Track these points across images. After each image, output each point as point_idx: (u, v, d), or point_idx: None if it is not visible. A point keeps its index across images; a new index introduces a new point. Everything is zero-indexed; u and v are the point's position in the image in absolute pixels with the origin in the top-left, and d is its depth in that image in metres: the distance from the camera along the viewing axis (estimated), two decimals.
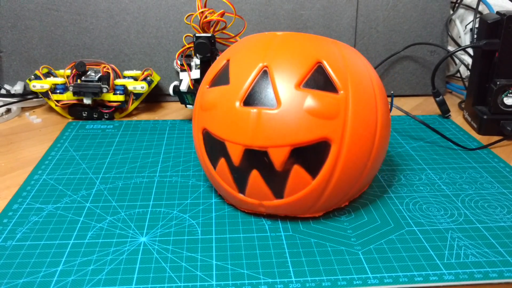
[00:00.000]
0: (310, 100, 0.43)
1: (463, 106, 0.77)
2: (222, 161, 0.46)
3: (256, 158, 0.44)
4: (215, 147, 0.46)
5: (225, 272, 0.41)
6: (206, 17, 0.67)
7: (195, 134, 0.49)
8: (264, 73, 0.44)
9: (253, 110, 0.43)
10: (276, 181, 0.44)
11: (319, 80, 0.44)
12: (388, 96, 0.55)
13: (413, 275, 0.41)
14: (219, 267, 0.41)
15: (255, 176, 0.44)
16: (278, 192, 0.45)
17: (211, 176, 0.48)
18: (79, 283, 0.39)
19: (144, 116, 0.75)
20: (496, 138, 0.67)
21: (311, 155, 0.43)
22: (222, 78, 0.47)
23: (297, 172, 0.44)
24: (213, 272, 0.41)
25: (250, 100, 0.44)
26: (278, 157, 0.43)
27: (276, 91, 0.43)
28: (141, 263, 0.42)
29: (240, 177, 0.45)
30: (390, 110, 0.50)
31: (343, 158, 0.44)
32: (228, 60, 0.47)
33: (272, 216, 0.48)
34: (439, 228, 0.47)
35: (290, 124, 0.42)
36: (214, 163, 0.47)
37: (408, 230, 0.47)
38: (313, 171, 0.44)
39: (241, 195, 0.47)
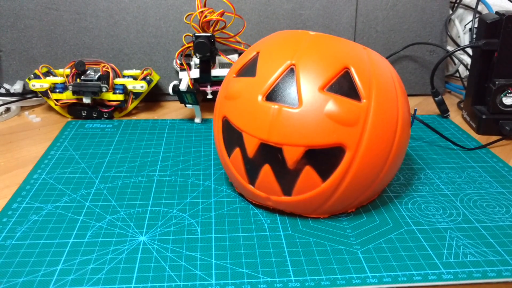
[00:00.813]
0: (331, 104, 0.43)
1: (462, 105, 0.77)
2: (237, 151, 0.47)
3: (270, 153, 0.44)
4: (232, 136, 0.47)
5: (225, 271, 0.41)
6: (205, 16, 0.67)
7: (215, 121, 0.50)
8: (291, 71, 0.45)
9: (274, 106, 0.44)
10: (287, 178, 0.45)
11: (344, 85, 0.44)
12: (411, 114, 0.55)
13: (412, 274, 0.41)
14: (218, 266, 0.41)
15: (266, 171, 0.45)
16: (287, 190, 0.46)
17: (225, 163, 0.50)
18: (78, 282, 0.39)
19: (143, 116, 0.75)
20: (495, 137, 0.67)
21: (324, 158, 0.44)
22: (249, 70, 0.48)
23: (308, 173, 0.44)
24: (212, 271, 0.41)
25: (273, 95, 0.44)
26: (291, 156, 0.44)
27: (300, 91, 0.44)
28: (141, 262, 0.42)
29: (252, 169, 0.46)
30: (411, 125, 0.49)
31: (356, 166, 0.44)
32: (258, 53, 0.48)
33: (272, 215, 0.48)
34: (438, 228, 0.47)
35: (308, 125, 0.43)
36: (229, 151, 0.48)
37: (407, 229, 0.47)
38: (324, 174, 0.44)
39: (250, 187, 0.47)
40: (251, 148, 0.45)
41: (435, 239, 0.45)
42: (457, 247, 0.44)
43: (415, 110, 0.53)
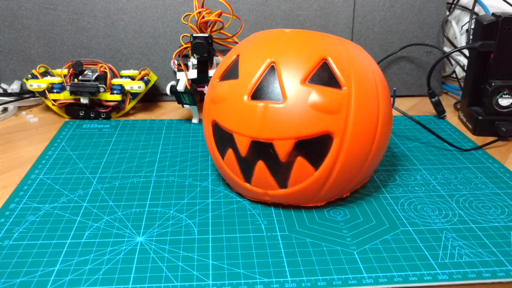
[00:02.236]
0: (314, 95, 0.44)
1: (458, 106, 0.77)
2: (230, 152, 0.48)
3: (262, 150, 0.46)
4: (224, 138, 0.48)
5: (222, 272, 0.41)
6: (203, 17, 0.67)
7: (205, 126, 0.52)
8: (272, 69, 0.46)
9: (260, 104, 0.45)
10: (281, 171, 0.46)
11: (323, 76, 0.46)
12: (391, 95, 0.56)
13: (407, 274, 0.41)
14: (215, 267, 0.42)
15: (260, 167, 0.46)
16: (282, 182, 0.47)
17: (219, 165, 0.51)
18: (76, 283, 0.40)
19: (141, 116, 0.75)
20: (491, 138, 0.68)
21: (314, 147, 0.45)
22: (232, 73, 0.49)
23: (301, 163, 0.45)
24: (209, 272, 0.41)
25: (257, 94, 0.46)
26: (282, 149, 0.45)
27: (283, 86, 0.45)
28: (138, 262, 0.42)
29: (246, 168, 0.48)
30: (393, 105, 0.51)
31: (345, 151, 0.45)
32: (238, 55, 0.49)
33: (268, 216, 0.49)
34: (433, 228, 0.47)
35: (295, 118, 0.44)
36: (222, 153, 0.49)
37: (403, 230, 0.47)
38: (316, 163, 0.46)
39: (247, 184, 0.49)
40: (243, 147, 0.46)
41: (431, 239, 0.45)
42: (453, 247, 0.44)
43: (395, 90, 0.54)
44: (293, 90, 0.45)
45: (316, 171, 0.46)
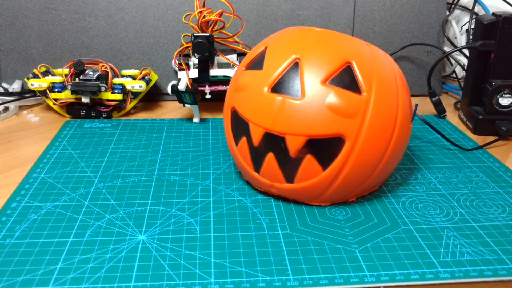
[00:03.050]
0: (332, 96, 0.45)
1: (458, 106, 0.77)
2: (243, 140, 0.49)
3: (274, 142, 0.47)
4: (240, 126, 0.50)
5: (224, 270, 0.41)
6: (204, 16, 0.67)
7: (225, 111, 0.53)
8: (295, 65, 0.47)
9: (278, 98, 0.46)
10: (289, 166, 0.47)
11: (345, 79, 0.46)
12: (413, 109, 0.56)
13: (409, 273, 0.41)
14: (217, 265, 0.42)
15: (270, 159, 0.47)
16: (289, 177, 0.48)
17: (233, 152, 0.52)
18: (78, 281, 0.40)
19: (142, 115, 0.75)
20: (491, 138, 0.68)
21: (324, 148, 0.46)
22: (257, 63, 0.50)
23: (309, 161, 0.46)
24: (211, 270, 0.41)
25: (278, 87, 0.47)
26: (293, 145, 0.46)
27: (303, 84, 0.46)
28: (140, 261, 0.42)
29: (257, 157, 0.49)
30: (412, 119, 0.51)
31: (355, 156, 0.46)
32: (266, 47, 0.50)
33: (270, 215, 0.49)
34: (435, 227, 0.47)
35: (310, 116, 0.45)
36: (236, 140, 0.51)
37: (404, 228, 0.47)
38: (324, 163, 0.46)
39: (256, 174, 0.50)
40: (257, 137, 0.47)
41: (432, 238, 0.46)
42: (454, 246, 0.45)
43: (416, 105, 0.53)
44: (313, 89, 0.45)
45: (324, 171, 0.46)
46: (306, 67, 0.46)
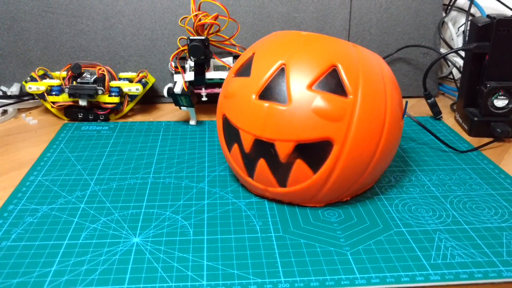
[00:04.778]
0: (318, 101, 0.45)
1: (454, 108, 0.78)
2: (235, 146, 0.50)
3: (264, 148, 0.47)
4: (231, 133, 0.51)
5: (216, 272, 0.41)
6: (200, 20, 0.67)
7: (218, 118, 0.54)
8: (282, 71, 0.48)
9: (266, 104, 0.47)
10: (280, 171, 0.48)
11: (331, 82, 0.46)
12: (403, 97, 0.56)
13: (400, 275, 0.41)
14: (210, 268, 0.42)
15: (262, 164, 0.48)
16: (282, 181, 0.49)
17: (227, 158, 0.53)
18: (72, 283, 0.40)
19: (139, 118, 0.75)
20: (486, 140, 0.68)
21: (313, 152, 0.46)
22: (245, 70, 0.51)
23: (300, 166, 0.47)
24: (204, 272, 0.41)
25: (265, 94, 0.47)
26: (283, 150, 0.46)
27: (289, 89, 0.46)
28: (134, 263, 0.42)
29: (249, 163, 0.50)
30: (403, 116, 0.51)
31: (344, 159, 0.46)
32: (253, 54, 0.51)
33: (263, 217, 0.49)
34: (427, 229, 0.48)
35: (297, 121, 0.45)
36: (229, 147, 0.52)
37: (396, 231, 0.47)
38: (315, 166, 0.47)
39: (250, 179, 0.51)
40: (247, 143, 0.48)
41: (424, 240, 0.46)
42: (445, 248, 0.45)
43: (407, 102, 0.54)
44: (298, 94, 0.46)
45: (315, 174, 0.47)
46: (292, 72, 0.46)
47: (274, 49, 0.49)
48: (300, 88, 0.46)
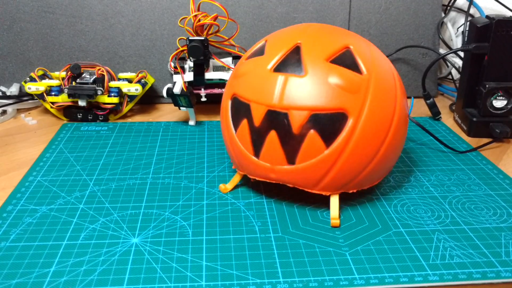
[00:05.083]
0: (335, 73, 0.46)
1: (454, 108, 0.78)
2: (244, 122, 0.49)
3: (276, 120, 0.47)
4: (240, 110, 0.49)
5: (215, 273, 0.42)
6: (199, 20, 0.67)
7: (223, 102, 0.52)
8: (297, 48, 0.48)
9: (281, 76, 0.47)
10: (291, 144, 0.47)
11: (346, 60, 0.47)
12: (408, 97, 0.56)
13: (398, 275, 0.41)
14: (208, 268, 0.42)
15: (272, 138, 0.47)
16: (291, 157, 0.47)
17: (231, 140, 0.51)
18: (71, 284, 0.40)
19: (138, 118, 0.75)
20: (485, 140, 0.68)
21: (328, 123, 0.46)
22: (258, 52, 0.51)
23: (312, 138, 0.46)
24: (203, 273, 0.42)
25: (280, 67, 0.48)
26: (297, 120, 0.46)
27: (305, 62, 0.47)
28: (133, 263, 0.43)
29: (258, 139, 0.48)
30: (409, 111, 0.52)
31: (358, 133, 0.46)
32: (266, 41, 0.52)
33: (263, 218, 0.49)
34: (425, 230, 0.48)
35: (313, 90, 0.46)
36: (236, 125, 0.50)
37: (395, 231, 0.47)
38: (328, 139, 0.46)
39: (255, 159, 0.49)
40: (258, 116, 0.47)
41: (423, 241, 0.46)
42: (444, 249, 0.45)
43: (412, 98, 0.55)
44: (315, 66, 0.46)
45: (327, 149, 0.46)
46: (308, 49, 0.47)
47: (287, 34, 0.50)
48: (317, 61, 0.46)
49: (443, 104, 0.82)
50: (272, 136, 0.47)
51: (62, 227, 0.47)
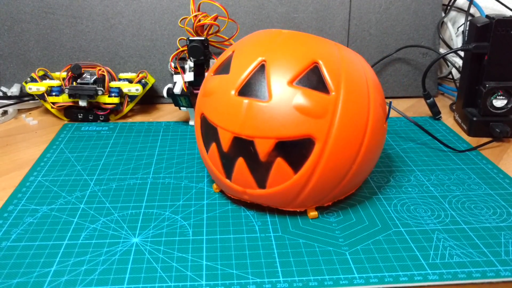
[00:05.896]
0: (299, 97, 0.44)
1: (454, 108, 0.78)
2: (213, 146, 0.48)
3: (243, 147, 0.46)
4: (209, 132, 0.49)
5: (215, 272, 0.42)
6: (199, 20, 0.68)
7: (196, 118, 0.52)
8: (262, 67, 0.46)
9: (245, 101, 0.45)
10: (260, 171, 0.46)
11: (312, 79, 0.45)
12: (386, 97, 0.56)
13: (398, 275, 0.42)
14: (209, 267, 0.42)
15: (240, 164, 0.46)
16: (261, 182, 0.47)
17: (204, 159, 0.51)
18: (72, 283, 0.40)
19: (138, 118, 0.75)
20: (485, 139, 0.68)
21: (294, 150, 0.45)
22: (224, 68, 0.49)
23: (280, 165, 0.45)
24: (203, 272, 0.42)
25: (245, 90, 0.46)
26: (263, 148, 0.45)
27: (269, 85, 0.45)
28: (133, 263, 0.43)
29: (228, 163, 0.48)
30: (387, 118, 0.50)
31: (326, 158, 0.45)
32: (233, 52, 0.50)
33: (263, 217, 0.49)
34: (425, 229, 0.48)
35: (278, 118, 0.44)
36: (207, 147, 0.50)
37: (395, 231, 0.47)
38: (296, 166, 0.45)
39: (228, 181, 0.49)
40: (226, 142, 0.46)
41: (422, 240, 0.46)
42: (444, 248, 0.45)
43: (390, 102, 0.53)
44: (279, 90, 0.44)
45: (296, 174, 0.45)
46: (273, 68, 0.45)
47: (254, 46, 0.48)
48: (281, 84, 0.44)
49: (443, 103, 0.83)
50: (241, 163, 0.46)
51: (62, 227, 0.48)
